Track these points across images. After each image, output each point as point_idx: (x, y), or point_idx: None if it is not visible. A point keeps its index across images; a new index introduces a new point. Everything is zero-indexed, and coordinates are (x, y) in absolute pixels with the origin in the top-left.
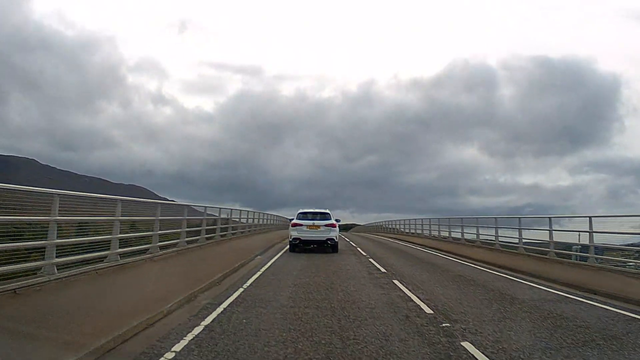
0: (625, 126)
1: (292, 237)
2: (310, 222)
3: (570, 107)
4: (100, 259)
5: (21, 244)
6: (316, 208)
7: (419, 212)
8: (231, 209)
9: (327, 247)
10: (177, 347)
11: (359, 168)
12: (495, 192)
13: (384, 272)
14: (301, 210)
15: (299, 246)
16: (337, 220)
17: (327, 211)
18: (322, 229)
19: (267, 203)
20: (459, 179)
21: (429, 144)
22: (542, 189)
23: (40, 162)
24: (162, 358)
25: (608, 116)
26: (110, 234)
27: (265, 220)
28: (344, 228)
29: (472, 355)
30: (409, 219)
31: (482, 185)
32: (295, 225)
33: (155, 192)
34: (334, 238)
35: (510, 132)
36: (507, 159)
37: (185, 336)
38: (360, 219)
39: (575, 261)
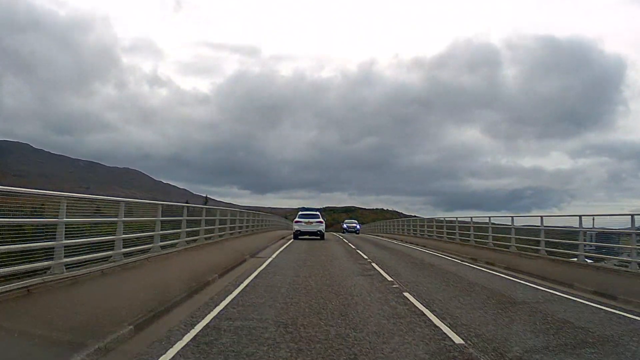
0: (630, 109)
1: (295, 229)
2: (306, 220)
3: (574, 89)
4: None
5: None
6: (310, 211)
7: (419, 195)
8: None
9: (317, 236)
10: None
11: (358, 150)
12: (496, 174)
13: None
14: (300, 212)
15: (299, 235)
16: (324, 217)
17: (318, 213)
18: (314, 224)
19: (265, 186)
20: (460, 161)
21: (430, 125)
22: (542, 172)
23: (34, 146)
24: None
25: (613, 99)
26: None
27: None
28: (345, 211)
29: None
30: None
31: (483, 167)
32: (297, 222)
33: (151, 176)
34: (322, 230)
35: (512, 113)
36: (509, 141)
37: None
38: (359, 202)
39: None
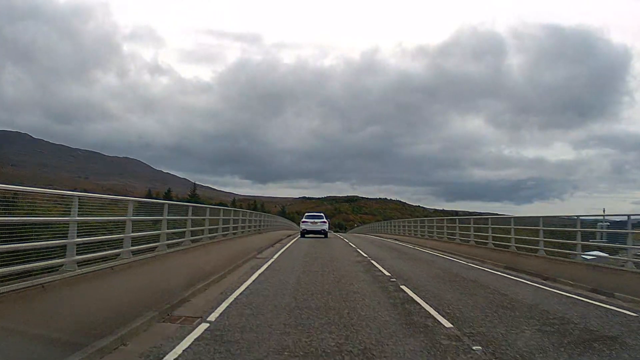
0: (636, 100)
1: (302, 228)
2: (312, 220)
3: (579, 79)
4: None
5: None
6: (315, 213)
7: (422, 185)
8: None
9: (321, 234)
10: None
11: (361, 139)
12: (499, 165)
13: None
14: (307, 214)
15: (306, 234)
16: (327, 218)
17: (322, 214)
18: (318, 224)
19: (266, 175)
20: (464, 151)
21: (433, 114)
22: (546, 162)
23: (33, 136)
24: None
25: (618, 89)
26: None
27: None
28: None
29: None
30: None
31: (486, 157)
32: (304, 222)
33: (151, 165)
34: (325, 229)
35: (517, 103)
36: (513, 131)
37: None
38: (362, 191)
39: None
